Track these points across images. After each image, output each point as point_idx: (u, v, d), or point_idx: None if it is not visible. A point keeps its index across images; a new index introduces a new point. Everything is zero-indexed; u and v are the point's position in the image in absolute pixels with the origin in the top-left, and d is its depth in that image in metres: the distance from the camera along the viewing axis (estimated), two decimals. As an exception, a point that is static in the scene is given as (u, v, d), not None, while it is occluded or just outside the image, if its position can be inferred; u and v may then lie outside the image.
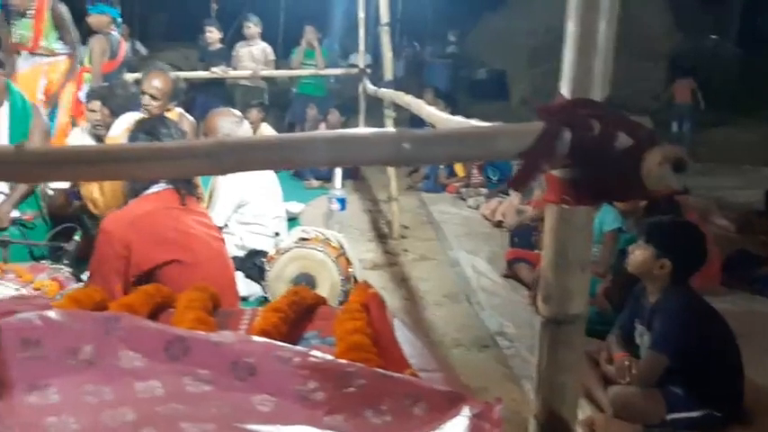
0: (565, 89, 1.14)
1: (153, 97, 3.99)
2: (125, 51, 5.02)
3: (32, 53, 4.95)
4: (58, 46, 4.93)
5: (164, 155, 1.10)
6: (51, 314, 0.67)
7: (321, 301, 1.17)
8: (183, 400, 0.69)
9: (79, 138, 4.44)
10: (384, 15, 4.86)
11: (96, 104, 4.18)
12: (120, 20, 4.98)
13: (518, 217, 4.91)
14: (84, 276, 2.71)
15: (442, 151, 1.15)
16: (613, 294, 3.33)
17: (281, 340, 0.90)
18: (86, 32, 5.18)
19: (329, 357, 0.77)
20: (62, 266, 2.72)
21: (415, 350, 0.95)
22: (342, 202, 4.52)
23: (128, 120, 3.65)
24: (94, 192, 3.36)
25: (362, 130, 1.08)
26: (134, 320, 0.72)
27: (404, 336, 0.99)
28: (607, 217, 3.61)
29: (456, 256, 4.48)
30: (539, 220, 4.45)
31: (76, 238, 3.15)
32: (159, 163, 1.09)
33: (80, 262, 3.07)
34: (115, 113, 3.92)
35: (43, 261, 2.91)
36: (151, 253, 2.33)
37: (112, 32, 4.91)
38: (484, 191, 6.04)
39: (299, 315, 1.05)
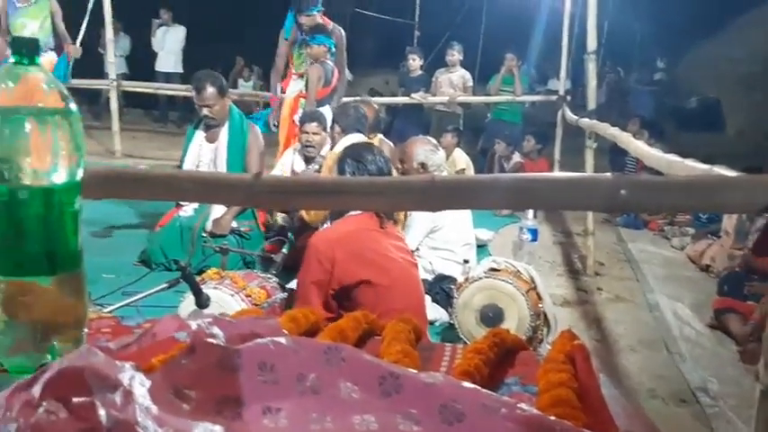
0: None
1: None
2: (337, 79, 5.36)
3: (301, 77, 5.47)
4: None
5: (381, 189, 1.16)
6: (282, 340, 0.73)
7: (521, 345, 1.15)
8: (394, 437, 0.72)
9: (290, 157, 4.84)
10: (591, 43, 4.71)
11: (312, 126, 4.54)
12: (334, 49, 5.34)
13: (729, 262, 4.48)
14: (290, 285, 2.92)
15: (664, 200, 1.09)
16: None
17: (482, 383, 0.90)
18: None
19: (536, 411, 0.75)
20: (270, 276, 2.95)
21: (622, 411, 0.90)
22: (533, 232, 4.43)
23: (351, 140, 3.90)
24: None
25: (576, 174, 1.05)
26: (353, 352, 0.75)
27: (610, 393, 0.93)
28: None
29: (655, 299, 4.19)
30: (754, 268, 4.02)
31: (284, 250, 3.41)
32: (377, 197, 1.15)
33: (285, 273, 3.32)
34: (345, 131, 4.21)
35: (255, 270, 3.18)
36: (352, 270, 2.47)
37: (327, 61, 5.29)
38: (690, 230, 5.59)
39: (499, 358, 1.04)
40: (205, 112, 4.20)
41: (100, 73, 9.11)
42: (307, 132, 4.55)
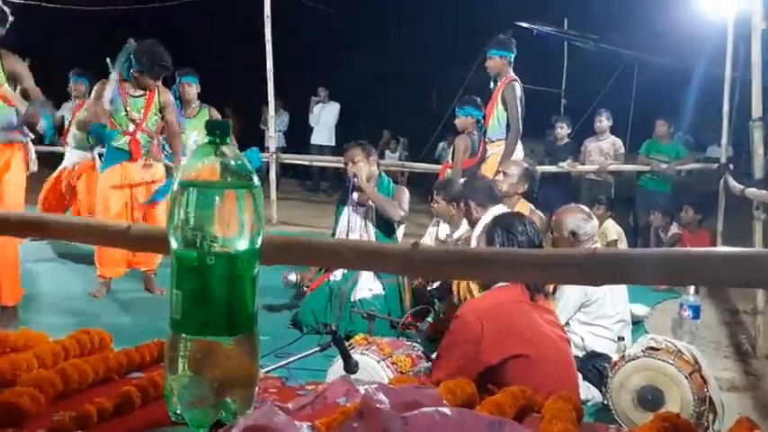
0: None
1: (505, 174, 4.32)
2: (484, 150, 5.41)
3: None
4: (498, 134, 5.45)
5: (537, 261, 1.15)
6: (447, 411, 0.73)
7: (693, 431, 1.07)
8: None
9: (435, 225, 4.94)
10: (756, 109, 4.43)
11: (438, 198, 4.67)
12: (483, 121, 5.41)
13: None
14: (435, 354, 2.90)
15: None
16: None
17: (651, 471, 0.84)
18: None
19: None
20: (416, 344, 2.96)
21: None
22: (695, 309, 4.12)
23: (497, 211, 3.90)
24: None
25: (758, 249, 0.98)
26: (516, 428, 0.74)
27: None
28: None
29: (843, 389, 3.71)
30: None
31: (429, 319, 3.42)
32: (532, 269, 1.14)
33: (429, 342, 3.32)
34: (483, 206, 4.18)
35: (401, 337, 3.20)
36: (501, 344, 2.38)
37: (475, 133, 5.36)
38: None
39: (669, 444, 0.98)
40: (351, 169, 4.40)
41: (260, 146, 9.84)
42: (434, 201, 4.69)
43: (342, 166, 4.76)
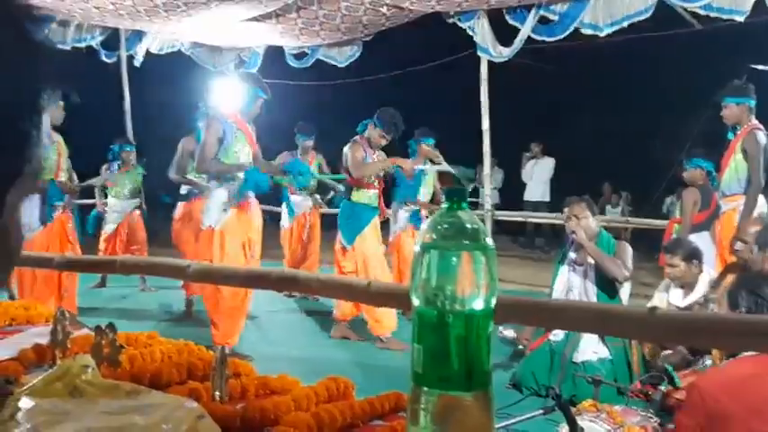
0: None
1: (745, 242, 3.96)
2: (716, 204, 5.00)
3: None
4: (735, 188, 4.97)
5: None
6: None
7: None
8: None
9: (664, 288, 4.59)
10: None
11: (669, 257, 4.28)
12: (714, 173, 5.02)
13: None
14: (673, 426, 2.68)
15: None
16: None
17: None
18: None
19: None
20: (651, 414, 2.76)
21: None
22: None
23: None
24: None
25: None
26: None
27: None
28: None
29: None
30: None
31: (662, 387, 3.18)
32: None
33: (664, 413, 3.08)
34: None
35: (634, 406, 3.01)
36: (746, 424, 2.11)
37: (705, 186, 4.98)
38: None
39: None
40: (570, 226, 4.29)
41: (474, 203, 10.00)
42: (668, 264, 4.31)
43: (558, 222, 4.67)
